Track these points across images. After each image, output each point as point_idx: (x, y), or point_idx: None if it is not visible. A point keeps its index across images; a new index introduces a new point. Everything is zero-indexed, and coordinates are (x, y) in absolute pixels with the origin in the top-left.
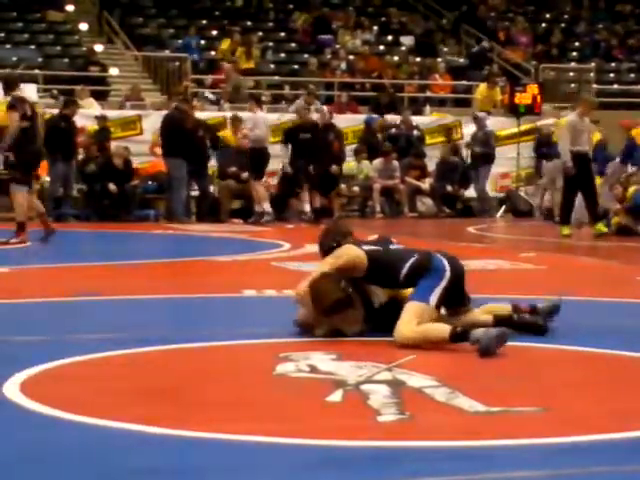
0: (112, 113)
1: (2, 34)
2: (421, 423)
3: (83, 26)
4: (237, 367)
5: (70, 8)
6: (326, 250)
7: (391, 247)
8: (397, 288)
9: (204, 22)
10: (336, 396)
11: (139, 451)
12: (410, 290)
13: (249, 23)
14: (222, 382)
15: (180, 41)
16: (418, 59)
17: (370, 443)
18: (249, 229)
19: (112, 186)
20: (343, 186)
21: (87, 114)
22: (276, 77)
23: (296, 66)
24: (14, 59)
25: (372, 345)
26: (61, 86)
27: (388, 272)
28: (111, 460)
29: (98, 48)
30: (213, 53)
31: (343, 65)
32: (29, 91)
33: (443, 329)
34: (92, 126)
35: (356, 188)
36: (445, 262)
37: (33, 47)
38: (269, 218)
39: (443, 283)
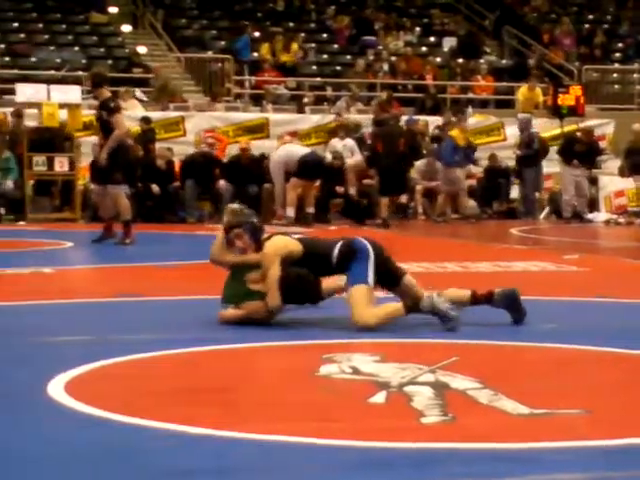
0: (155, 114)
1: (46, 36)
2: (464, 425)
3: (126, 28)
4: (280, 368)
5: (113, 10)
6: (234, 224)
7: (316, 238)
8: (330, 273)
9: (246, 24)
10: (379, 397)
11: (179, 451)
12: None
13: (291, 24)
14: (265, 383)
15: (223, 42)
16: (460, 60)
17: (413, 445)
18: (292, 230)
19: (155, 187)
20: None
21: (130, 116)
22: (318, 78)
23: (338, 67)
24: (58, 61)
25: (415, 347)
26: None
27: (320, 258)
28: (151, 460)
29: (141, 50)
30: (255, 54)
31: (385, 66)
32: (73, 93)
33: (399, 307)
34: (135, 128)
35: None
36: (366, 242)
37: (77, 49)
38: (284, 222)
39: (371, 261)
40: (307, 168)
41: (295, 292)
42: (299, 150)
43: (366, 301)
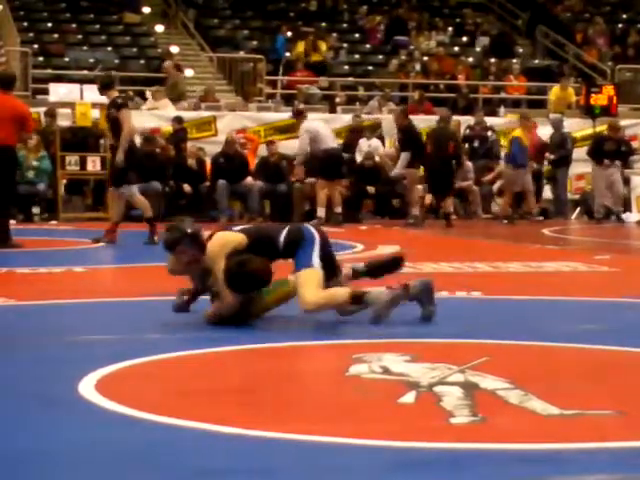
0: (187, 114)
1: (80, 36)
2: (494, 425)
3: (159, 28)
4: (310, 368)
5: (146, 10)
6: (171, 244)
7: (261, 225)
8: (277, 258)
9: (279, 23)
10: (409, 397)
11: (209, 451)
12: None
13: (323, 24)
14: (294, 382)
15: (255, 42)
16: (493, 60)
17: (442, 445)
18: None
19: (187, 187)
20: (420, 187)
21: (162, 115)
22: (350, 78)
23: (370, 67)
24: (91, 60)
25: (445, 347)
26: (137, 87)
27: (266, 243)
28: (186, 460)
29: (174, 49)
30: (288, 54)
31: (417, 66)
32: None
33: (344, 292)
34: (167, 127)
35: None
36: (312, 229)
37: (110, 49)
38: (317, 222)
39: (317, 246)
40: (328, 165)
41: (242, 278)
42: (329, 136)
43: (312, 283)
